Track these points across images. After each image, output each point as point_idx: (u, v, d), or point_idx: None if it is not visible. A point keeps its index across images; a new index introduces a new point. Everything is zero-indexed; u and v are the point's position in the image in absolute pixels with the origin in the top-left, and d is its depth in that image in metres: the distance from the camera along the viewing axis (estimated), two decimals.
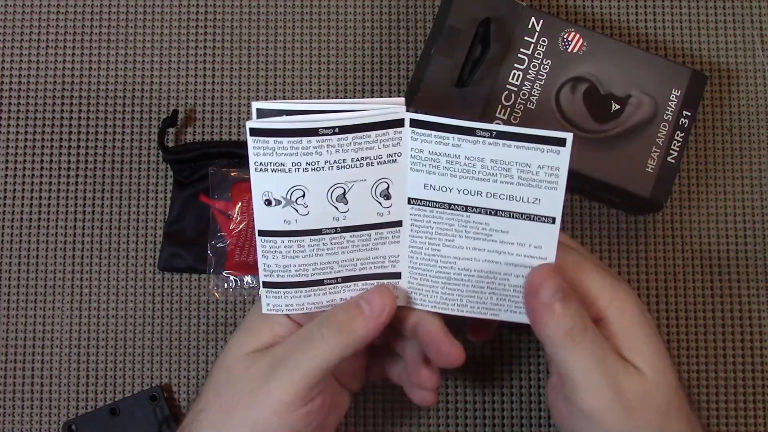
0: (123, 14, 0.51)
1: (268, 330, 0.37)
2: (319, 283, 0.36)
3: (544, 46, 0.44)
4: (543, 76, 0.44)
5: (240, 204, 0.48)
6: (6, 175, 0.49)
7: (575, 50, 0.44)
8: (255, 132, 0.31)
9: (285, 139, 0.31)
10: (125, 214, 0.49)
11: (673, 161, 0.44)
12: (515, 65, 0.44)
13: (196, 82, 0.50)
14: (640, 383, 0.34)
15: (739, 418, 0.48)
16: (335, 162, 0.32)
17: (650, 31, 0.51)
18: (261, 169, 0.32)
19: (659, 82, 0.45)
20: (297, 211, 0.33)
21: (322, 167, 0.32)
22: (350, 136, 0.31)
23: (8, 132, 0.49)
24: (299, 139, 0.31)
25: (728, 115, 0.50)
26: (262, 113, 0.31)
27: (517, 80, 0.44)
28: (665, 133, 0.44)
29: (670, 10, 0.51)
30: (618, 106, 0.44)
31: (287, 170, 0.32)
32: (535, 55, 0.44)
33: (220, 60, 0.50)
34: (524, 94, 0.44)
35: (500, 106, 0.44)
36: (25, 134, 0.49)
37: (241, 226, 0.47)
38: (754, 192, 0.49)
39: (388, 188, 0.33)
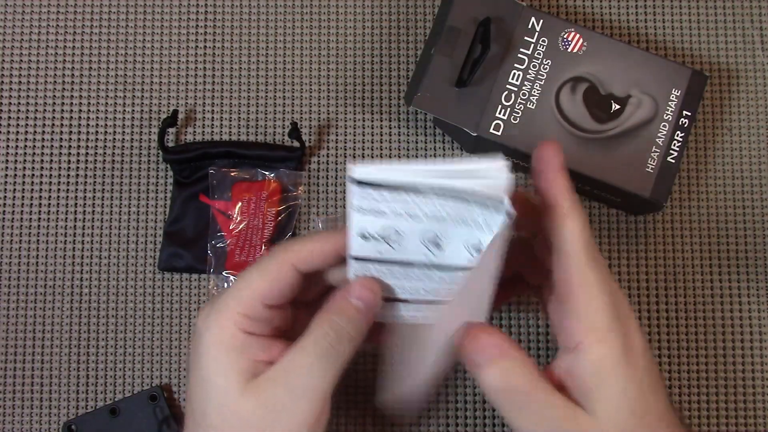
0: (123, 14, 0.51)
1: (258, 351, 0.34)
2: (404, 300, 0.36)
3: (544, 46, 0.44)
4: (543, 76, 0.44)
5: (240, 204, 0.48)
6: (6, 175, 0.49)
7: (575, 50, 0.45)
8: (359, 183, 0.31)
9: (387, 193, 0.31)
10: (125, 214, 0.49)
11: (673, 161, 0.44)
12: (515, 65, 0.44)
13: (196, 82, 0.50)
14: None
15: (739, 418, 0.48)
16: (432, 215, 0.32)
17: (650, 31, 0.51)
18: (361, 212, 0.32)
19: (659, 82, 0.45)
20: (391, 246, 0.33)
21: (420, 217, 0.32)
22: (450, 199, 0.31)
23: (8, 132, 0.49)
24: (400, 193, 0.31)
25: (728, 115, 0.50)
26: (362, 183, 0.32)
27: (517, 80, 0.44)
28: (665, 133, 0.44)
29: (670, 10, 0.51)
30: (618, 106, 0.44)
31: (386, 215, 0.32)
32: (535, 55, 0.44)
33: (220, 60, 0.50)
34: (524, 94, 0.44)
35: (500, 106, 0.44)
36: (25, 134, 0.49)
37: (241, 226, 0.47)
38: (754, 192, 0.49)
39: (479, 242, 0.33)
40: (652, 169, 0.44)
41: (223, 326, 0.34)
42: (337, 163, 0.49)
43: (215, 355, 0.34)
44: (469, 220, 0.32)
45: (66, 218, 0.49)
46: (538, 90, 0.44)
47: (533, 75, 0.44)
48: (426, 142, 0.49)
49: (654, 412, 0.34)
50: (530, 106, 0.44)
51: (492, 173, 0.31)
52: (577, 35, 0.45)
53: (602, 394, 0.34)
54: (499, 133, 0.44)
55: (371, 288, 0.35)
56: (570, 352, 0.34)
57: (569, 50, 0.44)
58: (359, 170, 0.31)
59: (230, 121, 0.50)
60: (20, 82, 0.50)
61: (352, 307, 0.35)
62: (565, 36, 0.45)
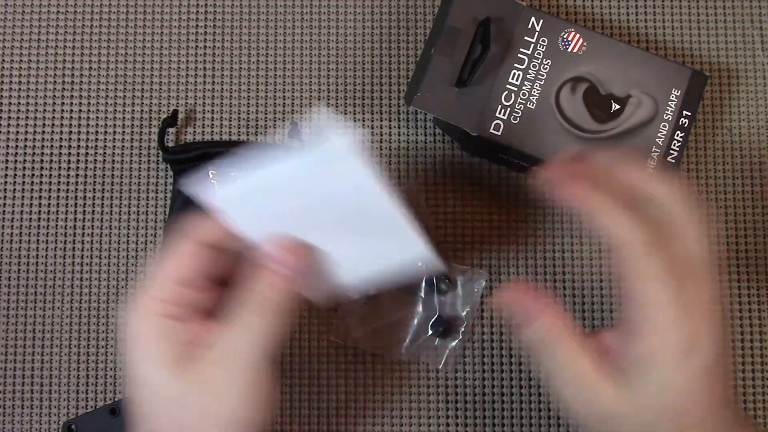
0: (123, 14, 0.51)
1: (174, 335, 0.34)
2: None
3: (544, 46, 0.44)
4: (543, 76, 0.44)
5: None
6: (6, 175, 0.49)
7: (575, 50, 0.45)
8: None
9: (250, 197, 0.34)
10: (125, 214, 0.49)
11: (673, 161, 0.44)
12: (515, 65, 0.44)
13: (196, 82, 0.50)
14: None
15: None
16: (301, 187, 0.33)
17: (650, 31, 0.51)
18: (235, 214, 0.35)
19: (659, 82, 0.45)
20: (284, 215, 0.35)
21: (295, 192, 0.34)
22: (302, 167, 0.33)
23: (8, 132, 0.49)
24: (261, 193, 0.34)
25: (728, 115, 0.50)
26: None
27: (517, 80, 0.44)
28: (665, 133, 0.44)
29: (670, 10, 0.51)
30: (618, 106, 0.44)
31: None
32: (535, 55, 0.44)
33: (220, 60, 0.50)
34: (524, 94, 0.44)
35: (500, 106, 0.44)
36: (25, 134, 0.49)
37: None
38: (754, 192, 0.49)
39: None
40: (652, 168, 0.44)
41: (144, 316, 0.34)
42: None
43: (141, 346, 0.33)
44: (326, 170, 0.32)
45: (66, 218, 0.49)
46: (538, 90, 0.44)
47: (533, 75, 0.44)
48: (426, 142, 0.49)
49: (693, 415, 0.33)
50: (530, 106, 0.44)
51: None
52: (577, 35, 0.45)
53: (640, 382, 0.33)
54: (499, 133, 0.44)
55: (292, 249, 0.35)
56: (626, 326, 0.34)
57: (569, 50, 0.45)
58: (220, 195, 0.33)
59: (230, 121, 0.50)
60: (20, 82, 0.50)
61: (272, 274, 0.34)
62: (565, 36, 0.45)
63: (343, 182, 0.32)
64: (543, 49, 0.44)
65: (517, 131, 0.44)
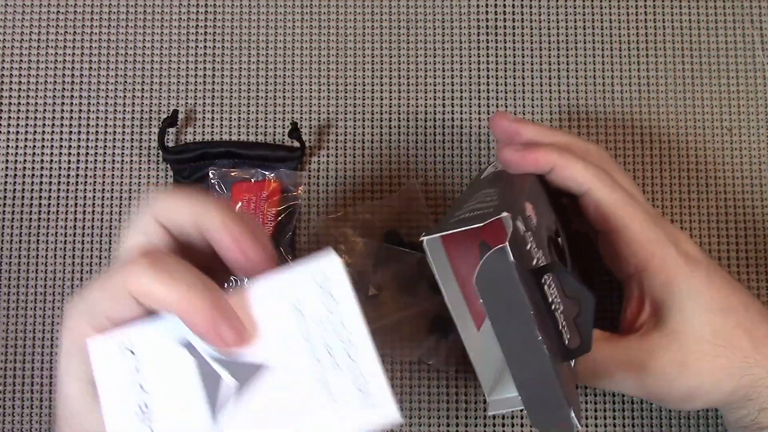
0: (123, 14, 0.51)
1: None
2: None
3: None
4: None
5: (240, 204, 0.48)
6: (6, 175, 0.49)
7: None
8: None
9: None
10: (125, 214, 0.49)
11: None
12: None
13: (196, 82, 0.50)
14: None
15: None
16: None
17: (650, 31, 0.51)
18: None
19: None
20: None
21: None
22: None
23: (8, 132, 0.49)
24: None
25: (728, 115, 0.50)
26: None
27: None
28: None
29: (670, 10, 0.51)
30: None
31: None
32: None
33: (220, 60, 0.50)
34: None
35: None
36: (25, 134, 0.49)
37: None
38: (754, 192, 0.49)
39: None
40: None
41: (73, 327, 0.30)
42: (337, 163, 0.49)
43: (65, 361, 0.30)
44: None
45: (66, 218, 0.49)
46: None
47: None
48: (426, 142, 0.49)
49: (735, 306, 0.36)
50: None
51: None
52: None
53: (674, 303, 0.36)
54: None
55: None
56: (633, 281, 0.38)
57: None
58: None
59: (230, 121, 0.50)
60: (20, 82, 0.50)
61: None
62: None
63: (320, 305, 0.29)
64: None
65: None
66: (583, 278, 0.40)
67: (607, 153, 0.42)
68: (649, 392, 0.37)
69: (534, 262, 0.34)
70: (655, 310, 0.37)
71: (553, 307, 0.33)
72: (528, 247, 0.33)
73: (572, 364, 0.34)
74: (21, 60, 0.50)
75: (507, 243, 0.30)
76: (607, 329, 0.39)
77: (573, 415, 0.31)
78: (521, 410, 0.47)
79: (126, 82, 0.50)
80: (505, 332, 0.31)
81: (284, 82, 0.50)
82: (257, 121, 0.50)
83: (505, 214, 0.32)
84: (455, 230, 0.33)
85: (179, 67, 0.50)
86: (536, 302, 0.31)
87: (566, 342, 0.33)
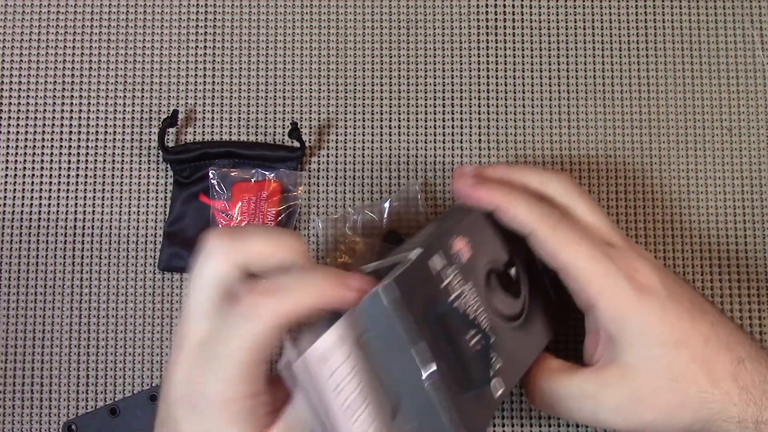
0: (123, 14, 0.51)
1: None
2: None
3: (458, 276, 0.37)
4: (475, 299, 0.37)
5: (240, 204, 0.48)
6: (6, 175, 0.49)
7: (468, 257, 0.37)
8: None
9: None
10: (125, 214, 0.49)
11: None
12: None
13: (196, 82, 0.50)
14: None
15: None
16: None
17: (650, 31, 0.51)
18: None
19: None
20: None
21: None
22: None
23: (8, 132, 0.49)
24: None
25: (728, 115, 0.50)
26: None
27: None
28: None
29: (670, 10, 0.51)
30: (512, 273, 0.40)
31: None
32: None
33: (220, 60, 0.50)
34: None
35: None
36: (25, 134, 0.49)
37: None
38: (754, 192, 0.49)
39: None
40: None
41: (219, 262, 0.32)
42: (337, 163, 0.49)
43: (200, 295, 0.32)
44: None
45: (66, 218, 0.49)
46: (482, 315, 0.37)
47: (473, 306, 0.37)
48: (426, 142, 0.49)
49: (691, 338, 0.36)
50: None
51: None
52: (462, 241, 0.37)
53: (625, 338, 0.36)
54: None
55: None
56: (588, 315, 0.37)
57: (464, 261, 0.37)
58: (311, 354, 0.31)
59: (230, 121, 0.50)
60: (20, 82, 0.50)
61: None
62: (455, 251, 0.37)
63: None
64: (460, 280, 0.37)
65: None
66: (554, 311, 0.41)
67: (569, 181, 0.40)
68: (604, 424, 0.37)
69: (453, 296, 0.35)
70: (608, 344, 0.37)
71: (461, 343, 0.34)
72: (445, 283, 0.35)
73: (493, 394, 0.35)
74: (21, 60, 0.50)
75: (379, 289, 0.32)
76: (573, 360, 0.39)
77: None
78: (520, 411, 0.47)
79: (126, 82, 0.50)
80: (388, 374, 0.32)
81: (284, 82, 0.50)
82: (257, 121, 0.50)
83: (383, 283, 0.32)
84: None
85: (179, 67, 0.50)
86: (430, 335, 0.33)
87: (475, 373, 0.34)
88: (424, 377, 0.32)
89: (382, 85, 0.50)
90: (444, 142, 0.49)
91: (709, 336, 0.36)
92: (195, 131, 0.50)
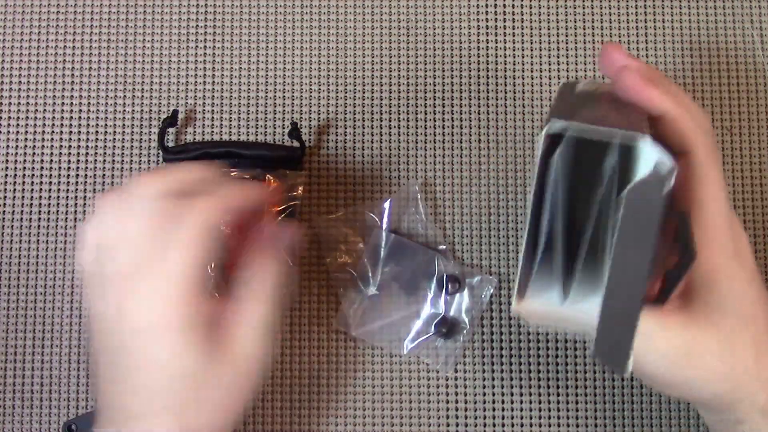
0: (123, 14, 0.51)
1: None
2: None
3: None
4: None
5: None
6: (6, 175, 0.49)
7: None
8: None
9: None
10: None
11: None
12: None
13: (196, 82, 0.50)
14: None
15: None
16: None
17: (650, 30, 0.51)
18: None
19: None
20: None
21: None
22: None
23: (8, 132, 0.49)
24: None
25: (728, 115, 0.50)
26: None
27: None
28: None
29: (670, 10, 0.51)
30: None
31: None
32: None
33: (220, 60, 0.50)
34: None
35: None
36: (25, 134, 0.49)
37: None
38: (754, 192, 0.49)
39: None
40: None
41: (167, 297, 0.34)
42: (337, 163, 0.49)
43: (164, 328, 0.34)
44: None
45: (66, 218, 0.49)
46: None
47: None
48: (426, 143, 0.49)
49: (759, 320, 0.36)
50: None
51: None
52: None
53: (705, 294, 0.36)
54: None
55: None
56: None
57: None
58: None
59: (230, 121, 0.50)
60: (20, 82, 0.50)
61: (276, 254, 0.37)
62: None
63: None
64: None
65: None
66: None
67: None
68: (642, 364, 0.37)
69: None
70: (687, 290, 0.37)
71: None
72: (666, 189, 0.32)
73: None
74: (21, 60, 0.50)
75: (673, 170, 0.29)
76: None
77: (630, 361, 0.32)
78: (520, 413, 0.47)
79: (126, 82, 0.50)
80: (622, 254, 0.31)
81: (284, 82, 0.50)
82: (257, 121, 0.50)
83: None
84: (599, 131, 0.31)
85: (179, 67, 0.50)
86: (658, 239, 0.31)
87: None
88: (644, 282, 0.31)
89: (382, 85, 0.50)
90: (444, 142, 0.49)
91: None
92: (195, 131, 0.50)
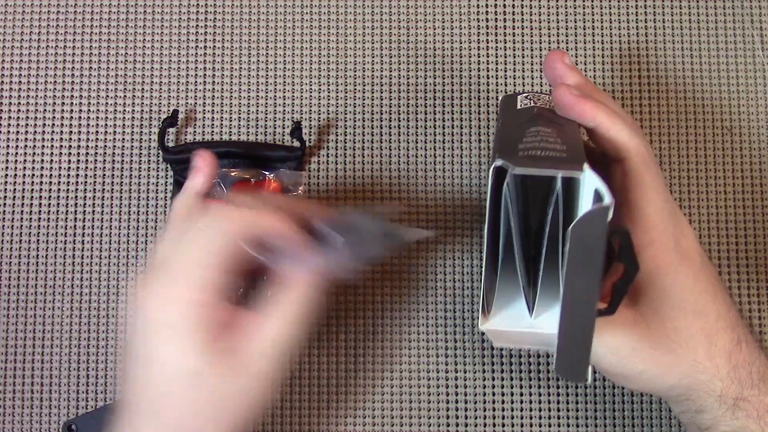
0: (123, 14, 0.51)
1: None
2: None
3: None
4: None
5: None
6: (6, 175, 0.49)
7: None
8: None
9: None
10: (125, 214, 0.49)
11: None
12: None
13: (196, 82, 0.50)
14: None
15: None
16: None
17: (650, 31, 0.51)
18: None
19: None
20: None
21: None
22: None
23: (8, 132, 0.49)
24: None
25: (728, 115, 0.50)
26: None
27: None
28: None
29: (670, 10, 0.51)
30: None
31: None
32: None
33: (220, 60, 0.50)
34: None
35: None
36: (25, 134, 0.49)
37: None
38: (754, 192, 0.49)
39: None
40: None
41: (173, 302, 0.34)
42: (336, 163, 0.49)
43: (170, 332, 0.34)
44: None
45: (66, 218, 0.49)
46: None
47: None
48: (426, 142, 0.49)
49: (707, 312, 0.37)
50: None
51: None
52: None
53: (650, 291, 0.37)
54: None
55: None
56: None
57: None
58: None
59: (230, 121, 0.50)
60: (20, 82, 0.50)
61: (307, 270, 0.36)
62: None
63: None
64: None
65: None
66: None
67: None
68: (594, 359, 0.38)
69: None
70: (634, 289, 0.38)
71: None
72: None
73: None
74: (21, 60, 0.50)
75: (611, 203, 0.31)
76: None
77: (588, 371, 0.34)
78: (520, 413, 0.47)
79: (126, 82, 0.50)
80: (572, 281, 0.33)
81: (285, 82, 0.50)
82: (258, 120, 0.50)
83: (595, 178, 0.32)
84: (539, 171, 0.33)
85: (179, 67, 0.50)
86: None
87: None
88: (595, 300, 0.33)
89: (382, 85, 0.50)
90: (444, 142, 0.49)
91: (721, 313, 0.38)
92: (195, 131, 0.50)
